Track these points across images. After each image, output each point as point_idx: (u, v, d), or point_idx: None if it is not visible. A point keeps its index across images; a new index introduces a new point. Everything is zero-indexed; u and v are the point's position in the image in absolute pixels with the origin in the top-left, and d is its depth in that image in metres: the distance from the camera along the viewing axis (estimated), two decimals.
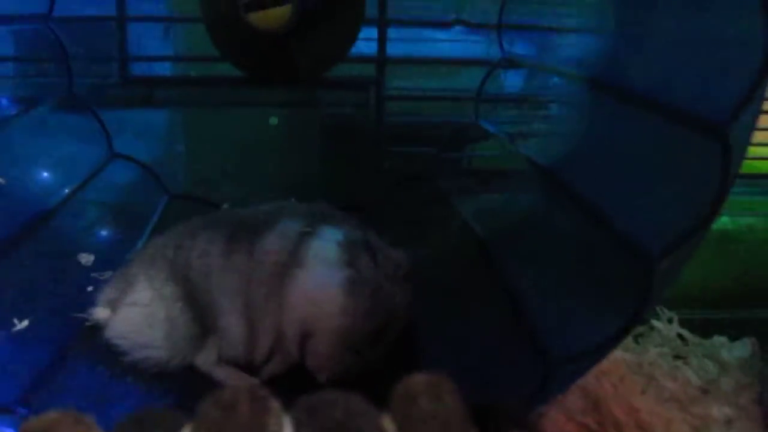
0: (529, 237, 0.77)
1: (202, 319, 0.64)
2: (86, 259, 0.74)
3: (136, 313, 0.64)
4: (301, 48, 0.76)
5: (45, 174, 0.77)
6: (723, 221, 0.93)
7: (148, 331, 0.63)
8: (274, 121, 0.85)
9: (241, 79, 0.80)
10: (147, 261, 0.66)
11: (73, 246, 0.75)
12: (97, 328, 0.65)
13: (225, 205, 0.68)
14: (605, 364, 0.80)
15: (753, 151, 0.98)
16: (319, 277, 0.60)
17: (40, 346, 0.61)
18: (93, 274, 0.71)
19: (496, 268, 0.75)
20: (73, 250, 0.74)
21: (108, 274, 0.70)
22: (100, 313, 0.64)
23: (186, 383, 0.63)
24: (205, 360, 0.64)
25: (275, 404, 0.34)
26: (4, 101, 0.81)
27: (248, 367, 0.65)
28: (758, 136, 0.94)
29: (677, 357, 0.87)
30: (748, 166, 0.99)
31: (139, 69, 0.85)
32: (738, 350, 0.88)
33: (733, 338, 0.90)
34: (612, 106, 0.74)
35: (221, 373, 0.64)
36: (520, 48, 0.87)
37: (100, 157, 0.86)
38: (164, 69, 0.89)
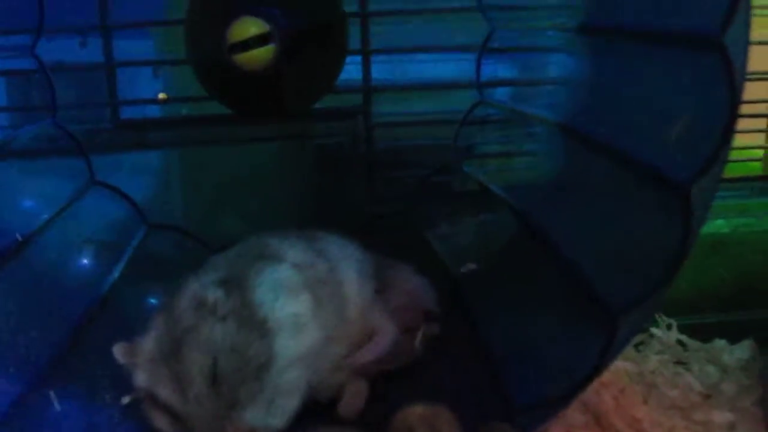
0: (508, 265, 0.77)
1: None
2: None
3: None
4: (287, 84, 0.77)
5: (26, 204, 0.77)
6: (719, 224, 0.94)
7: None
8: None
9: (231, 117, 0.81)
10: None
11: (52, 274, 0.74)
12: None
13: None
14: (606, 375, 0.81)
15: (748, 153, 0.98)
16: None
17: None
18: None
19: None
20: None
21: None
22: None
23: None
24: None
25: None
26: None
27: None
28: (753, 138, 0.94)
29: (678, 363, 0.87)
30: (743, 168, 0.99)
31: (130, 111, 0.86)
32: (738, 353, 0.88)
33: (733, 341, 0.90)
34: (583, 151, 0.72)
35: None
36: (503, 70, 0.88)
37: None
38: (154, 110, 0.91)
